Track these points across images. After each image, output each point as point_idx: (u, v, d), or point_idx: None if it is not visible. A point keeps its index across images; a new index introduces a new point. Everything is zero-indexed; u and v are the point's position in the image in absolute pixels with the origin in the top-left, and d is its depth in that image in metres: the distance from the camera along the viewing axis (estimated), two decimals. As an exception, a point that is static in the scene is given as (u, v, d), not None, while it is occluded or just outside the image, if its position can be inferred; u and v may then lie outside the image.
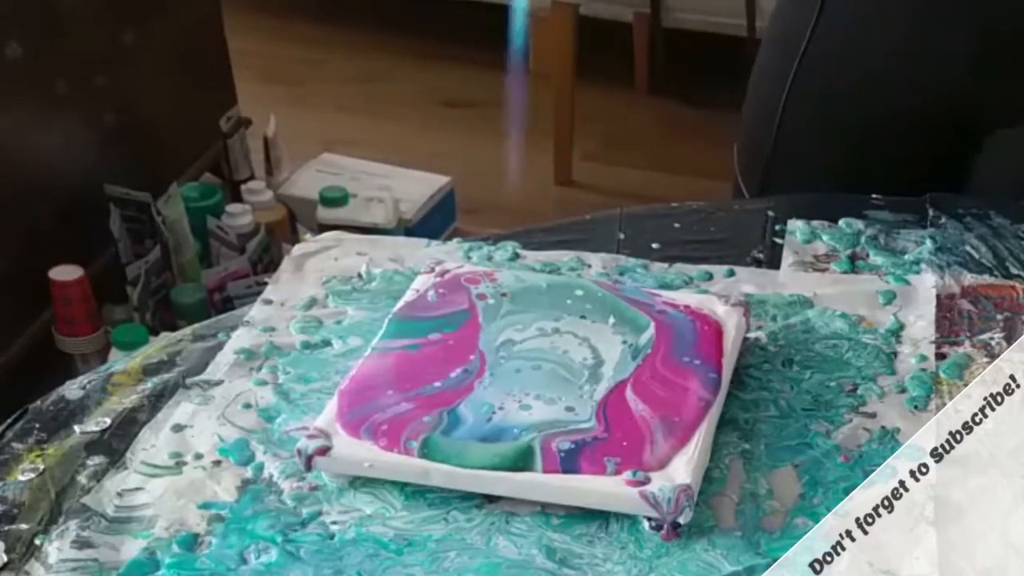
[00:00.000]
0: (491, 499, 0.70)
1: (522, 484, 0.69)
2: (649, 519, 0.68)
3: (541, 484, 0.68)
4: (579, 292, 0.82)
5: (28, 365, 1.81)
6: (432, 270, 0.86)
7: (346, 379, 0.76)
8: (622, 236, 0.94)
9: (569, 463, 0.68)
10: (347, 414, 0.73)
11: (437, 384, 0.75)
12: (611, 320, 0.80)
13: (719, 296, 0.82)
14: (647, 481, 0.67)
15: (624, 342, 0.78)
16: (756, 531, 0.67)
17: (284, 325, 0.85)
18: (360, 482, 0.71)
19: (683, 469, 0.68)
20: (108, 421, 0.77)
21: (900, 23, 1.07)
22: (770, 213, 0.96)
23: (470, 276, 0.85)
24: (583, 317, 0.80)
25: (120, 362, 0.83)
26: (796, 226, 0.94)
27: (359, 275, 0.90)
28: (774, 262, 0.91)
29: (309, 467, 0.71)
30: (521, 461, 0.69)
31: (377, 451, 0.70)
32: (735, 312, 0.80)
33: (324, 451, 0.71)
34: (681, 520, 0.67)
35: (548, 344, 0.78)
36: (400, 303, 0.83)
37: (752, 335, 0.81)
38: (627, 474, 0.67)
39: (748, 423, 0.75)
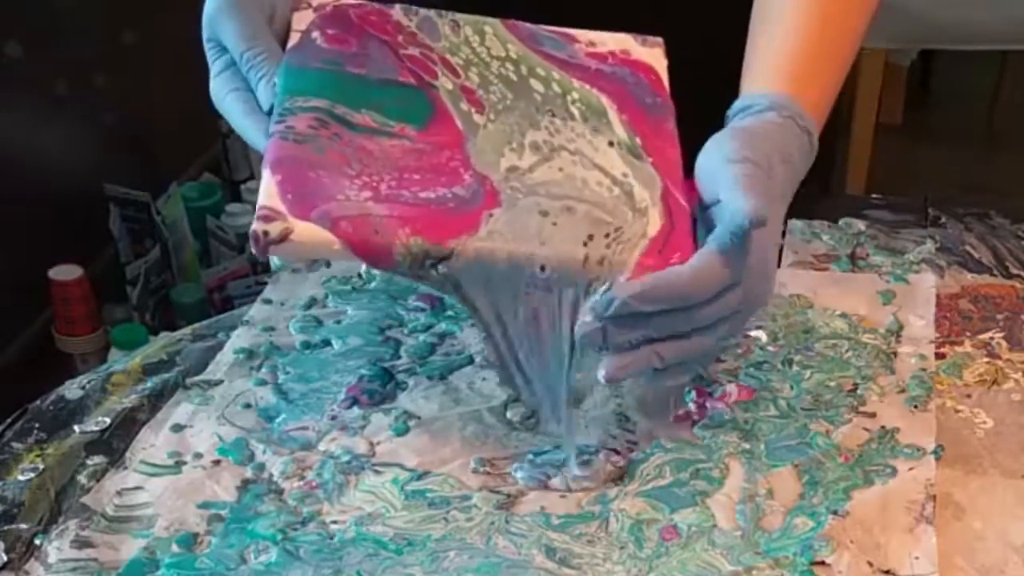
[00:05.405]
0: (491, 499, 0.70)
1: None
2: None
3: None
4: (523, 70, 0.72)
5: (28, 365, 1.81)
6: (309, 5, 0.72)
7: (270, 143, 0.65)
8: (622, 236, 0.94)
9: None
10: (292, 195, 0.62)
11: (423, 195, 0.64)
12: (575, 112, 0.71)
13: (634, 37, 0.77)
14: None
15: (610, 143, 0.70)
16: (756, 531, 0.67)
17: (284, 325, 0.85)
18: (360, 481, 0.71)
19: None
20: (108, 421, 0.77)
21: None
22: (770, 213, 0.96)
23: (365, 14, 0.71)
24: (553, 115, 0.70)
25: (120, 362, 0.83)
26: (796, 226, 0.94)
27: (359, 275, 0.90)
28: (774, 262, 0.91)
29: (266, 252, 0.62)
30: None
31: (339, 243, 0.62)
32: (655, 52, 0.76)
33: (286, 236, 0.62)
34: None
35: (559, 174, 0.67)
36: (287, 47, 0.71)
37: (752, 335, 0.81)
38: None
39: (748, 423, 0.75)
